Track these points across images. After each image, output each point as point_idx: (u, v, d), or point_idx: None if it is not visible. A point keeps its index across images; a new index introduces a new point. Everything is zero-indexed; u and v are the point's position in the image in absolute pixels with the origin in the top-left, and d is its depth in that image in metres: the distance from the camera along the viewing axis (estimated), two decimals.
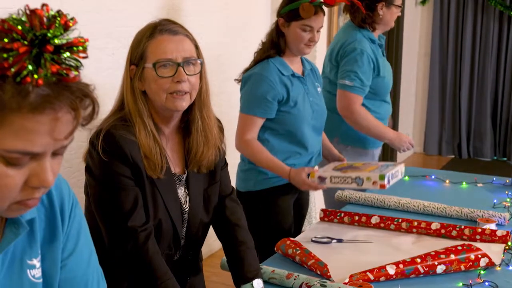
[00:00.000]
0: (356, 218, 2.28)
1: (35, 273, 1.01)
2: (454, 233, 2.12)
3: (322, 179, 2.11)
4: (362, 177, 2.05)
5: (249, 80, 2.39)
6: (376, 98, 2.96)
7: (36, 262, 1.02)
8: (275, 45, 2.42)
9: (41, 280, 1.03)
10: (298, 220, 2.61)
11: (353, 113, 2.82)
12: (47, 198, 1.06)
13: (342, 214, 2.32)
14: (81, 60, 0.85)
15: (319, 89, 2.55)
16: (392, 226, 2.20)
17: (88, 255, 1.14)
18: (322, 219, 2.35)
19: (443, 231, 2.13)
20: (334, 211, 2.35)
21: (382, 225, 2.22)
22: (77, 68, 0.84)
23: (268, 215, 2.44)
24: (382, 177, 2.05)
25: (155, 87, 1.56)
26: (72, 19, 0.84)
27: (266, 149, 2.36)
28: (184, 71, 1.55)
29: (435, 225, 2.15)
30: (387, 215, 2.30)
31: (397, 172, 2.09)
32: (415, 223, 2.18)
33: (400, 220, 2.21)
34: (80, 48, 0.84)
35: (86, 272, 1.12)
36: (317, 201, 3.34)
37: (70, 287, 1.09)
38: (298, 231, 2.58)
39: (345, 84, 2.81)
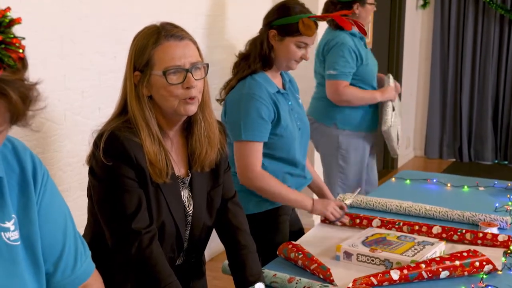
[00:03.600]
0: (358, 221, 2.28)
1: (10, 236, 1.05)
2: (455, 237, 2.12)
3: (348, 254, 1.95)
4: (392, 261, 1.87)
5: (238, 103, 2.19)
6: (365, 85, 3.30)
7: (10, 225, 1.05)
8: (263, 59, 2.23)
9: (19, 243, 1.06)
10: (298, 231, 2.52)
11: (341, 95, 3.20)
12: (18, 164, 1.10)
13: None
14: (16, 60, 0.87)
15: (300, 101, 2.43)
16: (393, 230, 2.20)
17: (63, 225, 1.18)
18: (323, 221, 2.35)
19: (444, 235, 2.13)
20: None
21: (383, 228, 2.21)
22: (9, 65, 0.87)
23: (267, 236, 2.28)
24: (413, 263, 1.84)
25: (165, 94, 1.56)
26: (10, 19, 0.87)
27: (280, 181, 2.21)
28: (193, 76, 1.55)
29: (436, 229, 2.15)
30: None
31: (434, 254, 1.92)
32: (416, 227, 2.17)
33: (401, 224, 2.21)
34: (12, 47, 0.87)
35: (62, 241, 1.17)
36: None
37: (47, 254, 1.14)
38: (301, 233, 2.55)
39: (330, 74, 3.20)
